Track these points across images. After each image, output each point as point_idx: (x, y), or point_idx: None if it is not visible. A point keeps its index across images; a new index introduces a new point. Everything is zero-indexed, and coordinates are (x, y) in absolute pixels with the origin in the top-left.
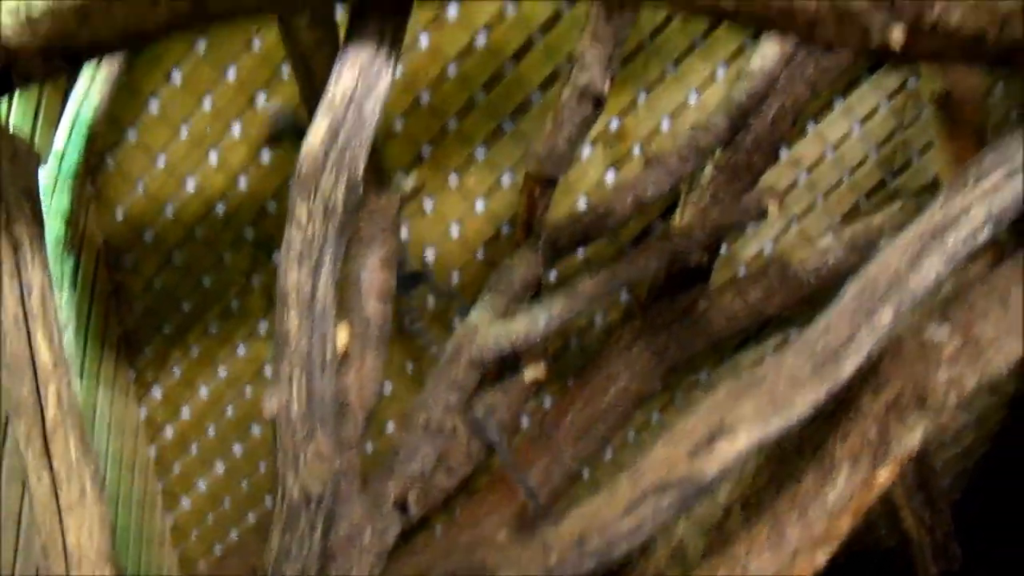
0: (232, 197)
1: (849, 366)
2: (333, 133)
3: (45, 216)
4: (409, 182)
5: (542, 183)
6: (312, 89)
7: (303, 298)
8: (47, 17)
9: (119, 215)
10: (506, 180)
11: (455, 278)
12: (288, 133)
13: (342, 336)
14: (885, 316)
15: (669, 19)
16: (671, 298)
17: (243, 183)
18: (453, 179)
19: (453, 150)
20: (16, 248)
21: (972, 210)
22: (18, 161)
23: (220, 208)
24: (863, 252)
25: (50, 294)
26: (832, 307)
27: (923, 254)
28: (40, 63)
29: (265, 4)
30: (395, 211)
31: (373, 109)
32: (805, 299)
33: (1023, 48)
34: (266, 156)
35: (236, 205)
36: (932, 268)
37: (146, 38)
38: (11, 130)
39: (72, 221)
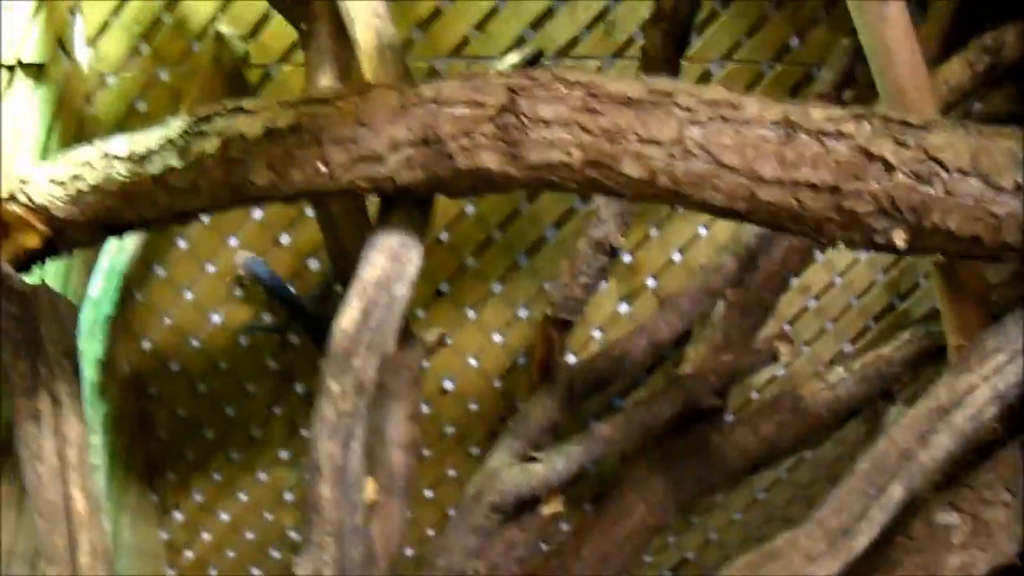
0: None
1: (863, 540)
2: (365, 316)
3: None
4: (431, 336)
5: (559, 326)
6: (339, 251)
7: (335, 468)
8: (95, 196)
9: (146, 346)
10: (522, 314)
11: (474, 407)
12: (261, 282)
13: (369, 491)
14: (896, 492)
15: None
16: (685, 432)
17: (267, 316)
18: (471, 314)
19: (470, 286)
20: (56, 403)
21: (977, 391)
22: (59, 319)
23: (244, 340)
24: (873, 383)
25: (86, 445)
26: (844, 483)
27: (931, 431)
28: (85, 234)
29: (298, 193)
30: (418, 365)
31: (403, 291)
32: (817, 429)
33: (1016, 250)
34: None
35: (260, 337)
36: (941, 445)
37: (186, 217)
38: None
39: (105, 365)
